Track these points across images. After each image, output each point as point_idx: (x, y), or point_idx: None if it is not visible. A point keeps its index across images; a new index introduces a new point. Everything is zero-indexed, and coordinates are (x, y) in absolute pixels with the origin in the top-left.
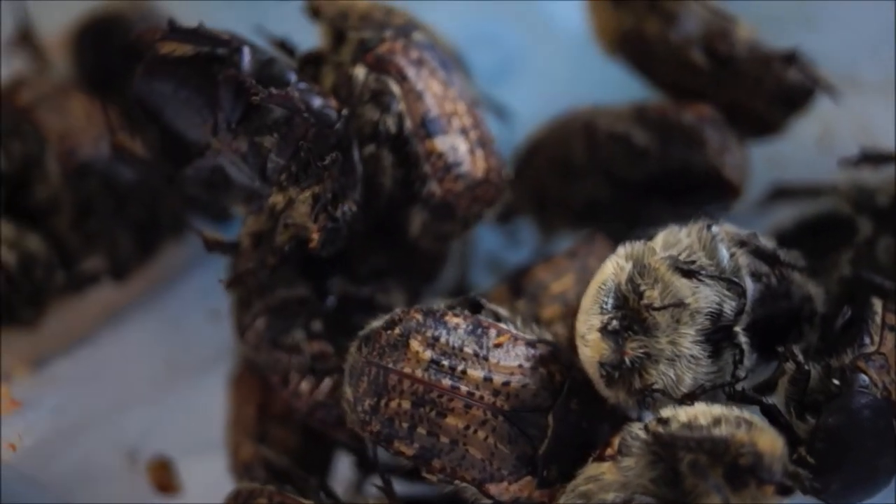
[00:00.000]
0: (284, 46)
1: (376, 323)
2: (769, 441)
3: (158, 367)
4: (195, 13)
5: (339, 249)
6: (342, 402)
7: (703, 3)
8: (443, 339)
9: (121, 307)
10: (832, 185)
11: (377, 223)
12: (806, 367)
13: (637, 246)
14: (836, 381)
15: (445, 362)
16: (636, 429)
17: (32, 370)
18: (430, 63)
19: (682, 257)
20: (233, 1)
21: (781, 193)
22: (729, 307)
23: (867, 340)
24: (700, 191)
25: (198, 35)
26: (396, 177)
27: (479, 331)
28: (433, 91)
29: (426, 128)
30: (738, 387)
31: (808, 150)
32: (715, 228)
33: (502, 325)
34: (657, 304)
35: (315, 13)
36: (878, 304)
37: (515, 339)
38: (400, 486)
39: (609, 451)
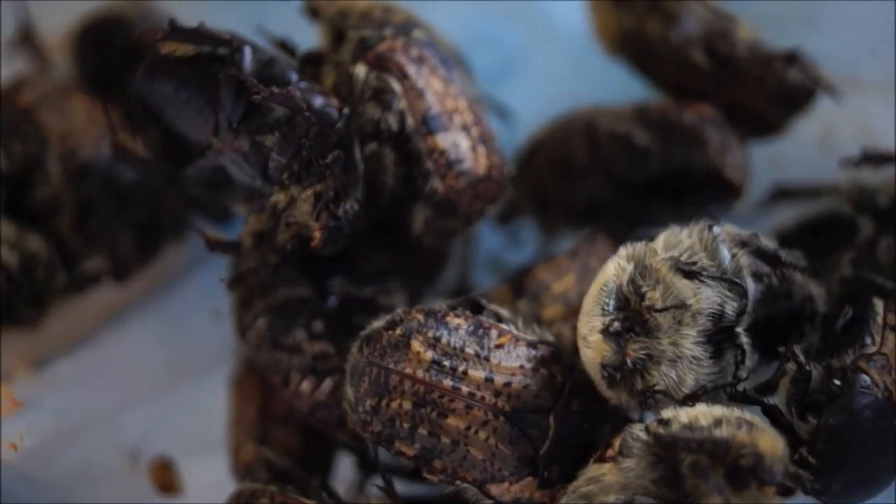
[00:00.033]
0: (285, 46)
1: (378, 323)
2: (770, 442)
3: (160, 367)
4: (196, 13)
5: (340, 248)
6: (343, 403)
7: (704, 3)
8: (444, 340)
9: (122, 307)
10: (833, 185)
11: (379, 221)
12: (807, 368)
13: (638, 247)
14: (837, 382)
15: (447, 363)
16: (637, 430)
17: (34, 370)
18: (431, 60)
19: (683, 258)
20: (233, 1)
21: (782, 194)
22: (730, 308)
23: (868, 341)
24: (701, 191)
25: (199, 35)
26: (398, 174)
27: (481, 331)
28: (434, 88)
29: (428, 125)
30: (740, 387)
31: (809, 150)
32: (716, 229)
33: (503, 326)
34: (659, 305)
35: (314, 13)
36: (879, 305)
37: (517, 339)
38: (401, 487)
39: (610, 453)
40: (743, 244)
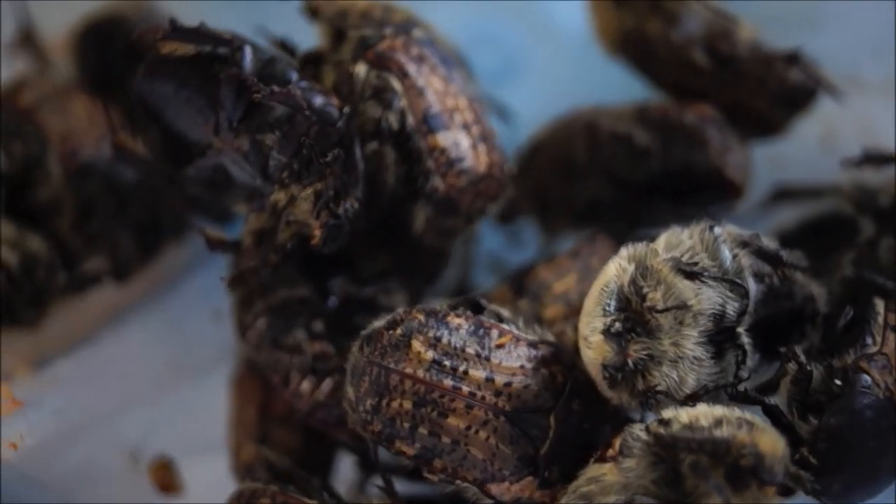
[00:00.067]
0: (285, 46)
1: (378, 323)
2: (770, 442)
3: (160, 367)
4: (196, 14)
5: (340, 247)
6: (343, 403)
7: (705, 3)
8: (445, 340)
9: (122, 308)
10: (834, 185)
11: (380, 220)
12: (808, 368)
13: (639, 247)
14: (838, 382)
15: (447, 363)
16: (637, 430)
17: (34, 371)
18: (431, 59)
19: (684, 259)
20: (233, 1)
21: (783, 194)
22: (732, 308)
23: (869, 341)
24: (702, 191)
25: (199, 34)
26: (399, 173)
27: (481, 331)
28: (434, 87)
29: (428, 124)
30: (741, 387)
31: (811, 150)
32: (717, 229)
33: (504, 326)
34: (660, 306)
35: (314, 13)
36: (880, 305)
37: (517, 339)
38: (401, 486)
39: (610, 452)
40: (744, 244)
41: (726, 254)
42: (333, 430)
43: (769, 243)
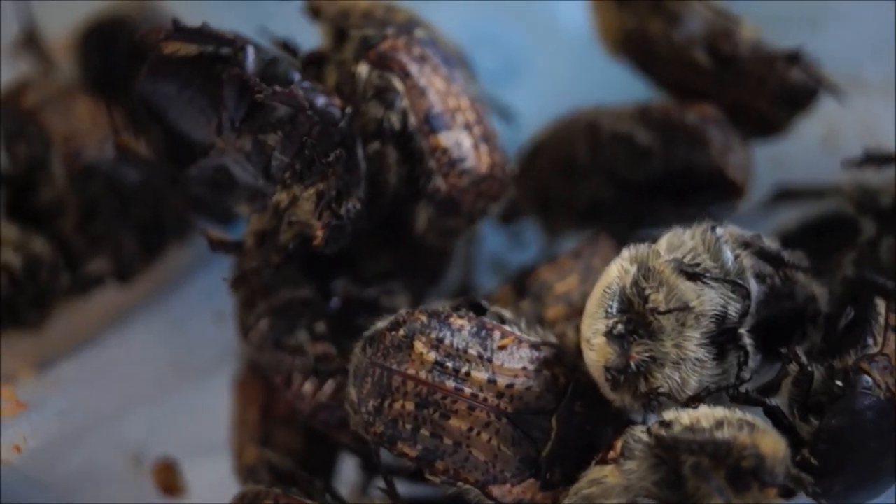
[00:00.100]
0: (287, 47)
1: (381, 324)
2: (771, 443)
3: (163, 368)
4: (199, 14)
5: (342, 247)
6: (346, 404)
7: (707, 3)
8: (447, 341)
9: (125, 309)
10: (836, 185)
11: (382, 221)
12: (809, 369)
13: (641, 249)
14: (839, 383)
15: (449, 364)
16: (639, 432)
17: (37, 372)
18: (433, 59)
19: (686, 260)
20: (236, 1)
21: (785, 194)
22: (733, 309)
23: (870, 341)
24: (703, 191)
25: (202, 34)
26: (401, 173)
27: (484, 332)
28: (436, 87)
29: (430, 123)
30: (742, 389)
31: (812, 150)
32: (719, 230)
33: (507, 328)
34: (662, 307)
35: (315, 13)
36: (881, 305)
37: (519, 341)
38: (403, 488)
39: (612, 454)
40: (746, 245)
41: (728, 255)
42: (335, 431)
43: (771, 244)
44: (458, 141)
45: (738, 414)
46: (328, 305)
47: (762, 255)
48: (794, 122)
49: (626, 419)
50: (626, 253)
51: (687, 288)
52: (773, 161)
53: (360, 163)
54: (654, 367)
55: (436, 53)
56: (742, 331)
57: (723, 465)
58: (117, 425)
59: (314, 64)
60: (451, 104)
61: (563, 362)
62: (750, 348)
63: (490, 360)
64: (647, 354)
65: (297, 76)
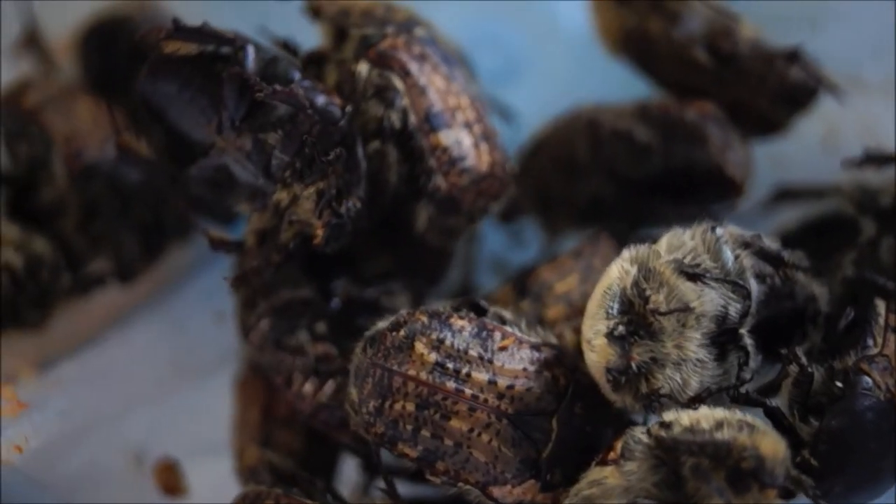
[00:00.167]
0: (287, 46)
1: (382, 324)
2: (771, 444)
3: (164, 368)
4: (199, 14)
5: (343, 246)
6: (346, 404)
7: (707, 1)
8: (448, 342)
9: (126, 309)
10: (835, 185)
11: (382, 220)
12: (809, 370)
13: (642, 249)
14: (839, 384)
15: (450, 365)
16: (639, 433)
17: (38, 372)
18: (433, 58)
19: (686, 260)
20: (236, 1)
21: (785, 194)
22: (734, 310)
23: (870, 342)
24: (703, 188)
25: (202, 34)
26: (401, 172)
27: (484, 333)
28: (436, 86)
29: (430, 122)
30: (742, 389)
31: (812, 150)
32: (719, 230)
33: (507, 328)
34: (663, 308)
35: (315, 13)
36: (881, 306)
37: (520, 342)
38: (404, 489)
39: (612, 455)
40: (746, 245)
41: (728, 255)
42: (336, 432)
43: (771, 244)
44: (459, 139)
45: (738, 415)
46: (329, 305)
47: (762, 255)
48: (793, 121)
49: (627, 420)
50: (627, 254)
51: (687, 288)
52: (773, 161)
53: (361, 162)
54: (656, 368)
55: (435, 52)
56: (742, 331)
57: (723, 466)
58: (118, 425)
59: (314, 63)
60: (451, 103)
61: (563, 363)
62: (750, 348)
63: (491, 361)
64: (648, 355)
65: (297, 75)
